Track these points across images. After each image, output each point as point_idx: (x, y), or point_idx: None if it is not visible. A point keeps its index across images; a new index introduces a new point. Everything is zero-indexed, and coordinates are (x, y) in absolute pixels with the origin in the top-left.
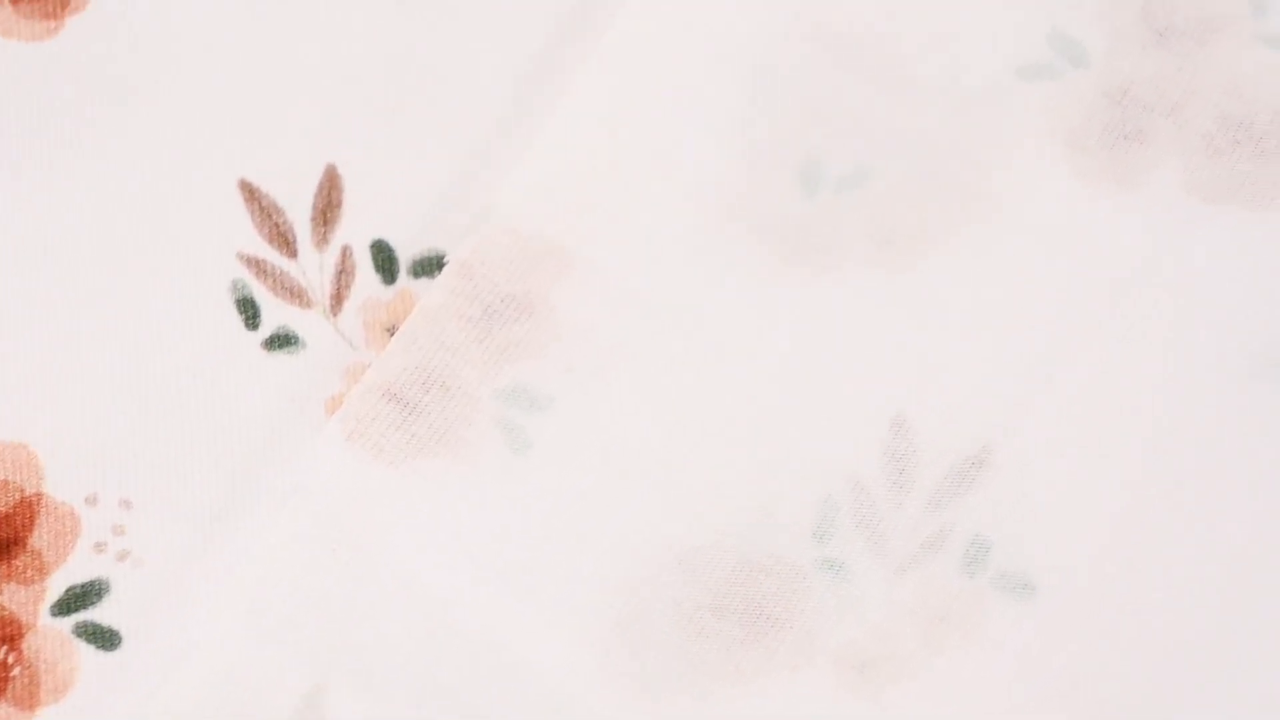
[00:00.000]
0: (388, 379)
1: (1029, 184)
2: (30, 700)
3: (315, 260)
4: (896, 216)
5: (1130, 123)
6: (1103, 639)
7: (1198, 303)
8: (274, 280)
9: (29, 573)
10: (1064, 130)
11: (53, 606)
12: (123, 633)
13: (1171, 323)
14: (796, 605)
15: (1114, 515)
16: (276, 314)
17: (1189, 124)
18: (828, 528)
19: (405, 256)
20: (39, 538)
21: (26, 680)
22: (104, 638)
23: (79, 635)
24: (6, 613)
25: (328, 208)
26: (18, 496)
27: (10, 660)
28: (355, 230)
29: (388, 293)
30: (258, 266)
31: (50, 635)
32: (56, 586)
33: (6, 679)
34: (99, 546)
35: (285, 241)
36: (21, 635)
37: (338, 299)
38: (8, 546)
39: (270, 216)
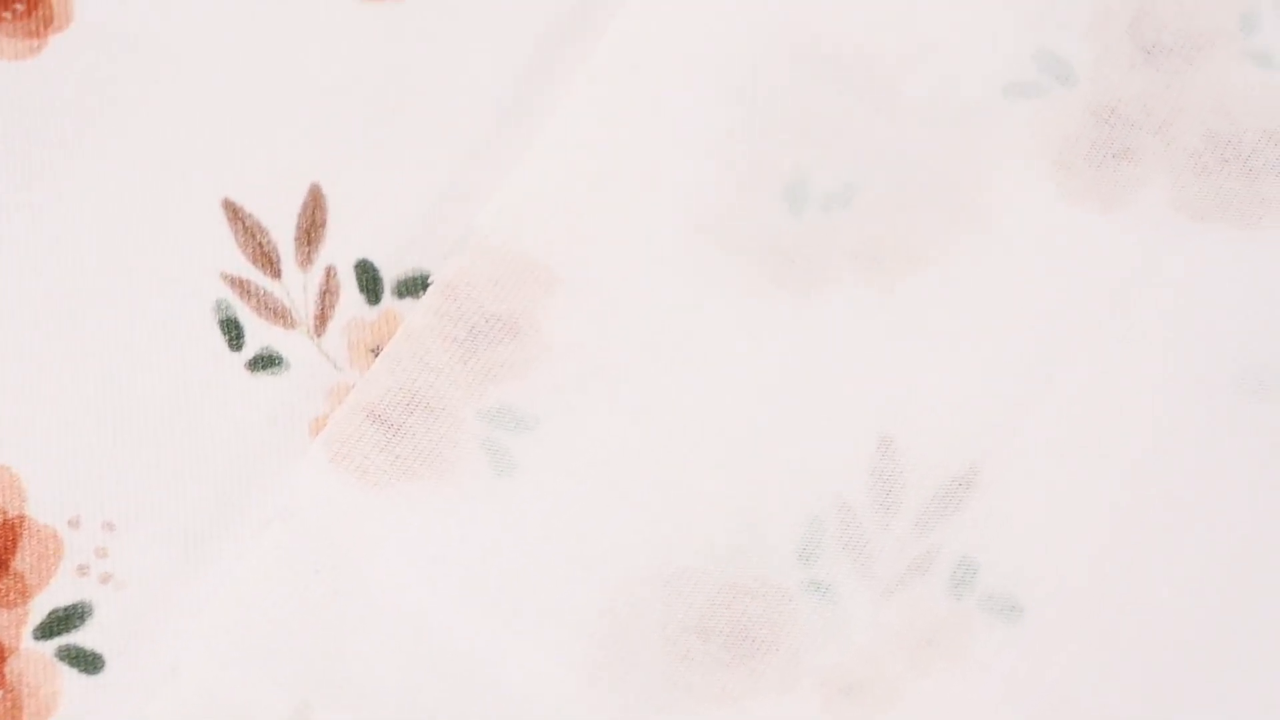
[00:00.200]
0: (372, 400)
1: (1016, 203)
2: None
3: (299, 280)
4: (883, 236)
5: (1117, 141)
6: (1090, 661)
7: (1185, 321)
8: (258, 300)
9: (11, 596)
10: (1051, 149)
11: (35, 630)
12: (106, 656)
13: (1159, 341)
14: (782, 628)
15: (1102, 536)
16: (260, 334)
17: (1176, 142)
18: (814, 549)
19: (390, 276)
20: (21, 560)
21: (9, 705)
22: (87, 661)
23: (62, 659)
24: None
25: (312, 227)
26: (0, 519)
27: None
28: (339, 250)
29: (372, 313)
30: (241, 287)
31: (33, 659)
32: (39, 610)
33: None
34: (82, 569)
35: (269, 261)
36: (4, 659)
37: (322, 319)
38: None
39: (254, 236)
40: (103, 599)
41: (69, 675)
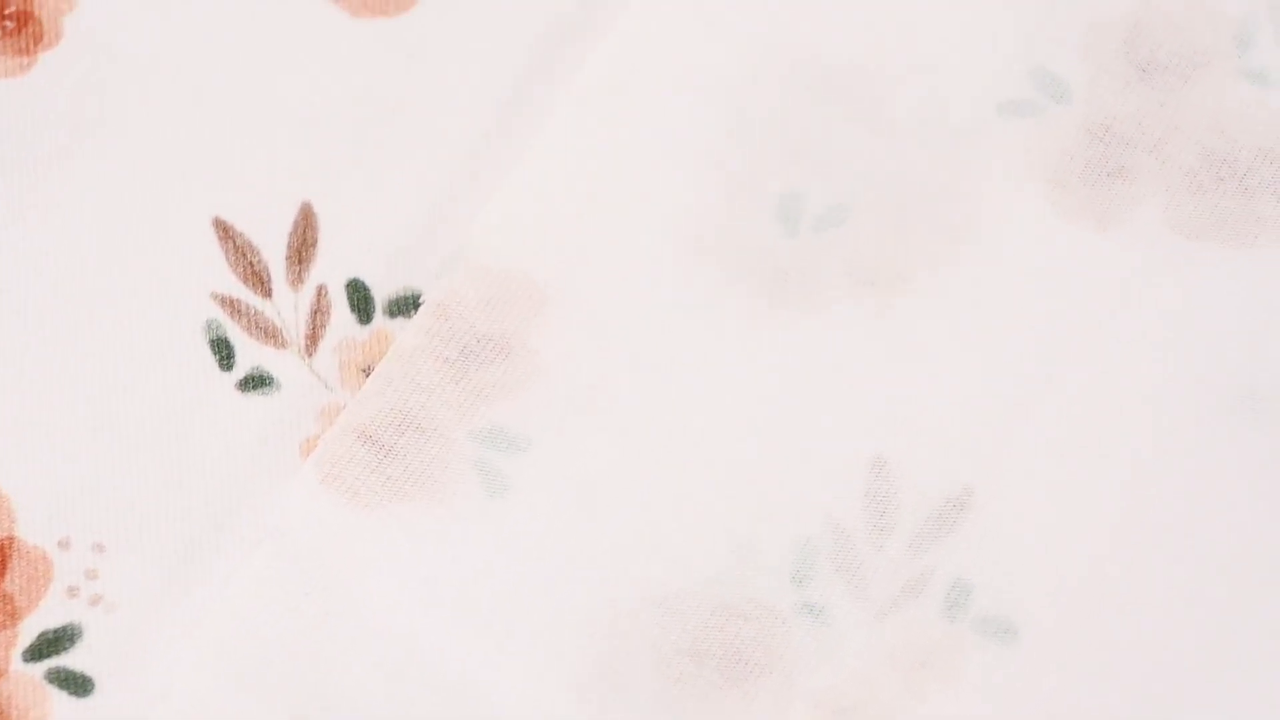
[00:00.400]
0: (363, 421)
1: (1010, 221)
2: None
3: (290, 300)
4: (876, 255)
5: (1112, 159)
6: (1084, 682)
7: (1179, 341)
8: (248, 320)
9: (0, 618)
10: (1045, 167)
11: (25, 652)
12: (95, 679)
13: (1153, 361)
14: (776, 650)
15: (1095, 556)
16: (251, 354)
17: (1172, 160)
18: (807, 571)
19: (381, 296)
20: (11, 582)
21: None
22: (77, 684)
23: (51, 681)
24: None
25: (303, 246)
26: None
27: None
28: (330, 269)
29: (363, 333)
30: (232, 306)
31: (22, 682)
32: (29, 632)
33: None
34: (71, 591)
35: (260, 281)
36: None
37: (313, 339)
38: None
39: (245, 255)
40: (93, 621)
41: (59, 698)
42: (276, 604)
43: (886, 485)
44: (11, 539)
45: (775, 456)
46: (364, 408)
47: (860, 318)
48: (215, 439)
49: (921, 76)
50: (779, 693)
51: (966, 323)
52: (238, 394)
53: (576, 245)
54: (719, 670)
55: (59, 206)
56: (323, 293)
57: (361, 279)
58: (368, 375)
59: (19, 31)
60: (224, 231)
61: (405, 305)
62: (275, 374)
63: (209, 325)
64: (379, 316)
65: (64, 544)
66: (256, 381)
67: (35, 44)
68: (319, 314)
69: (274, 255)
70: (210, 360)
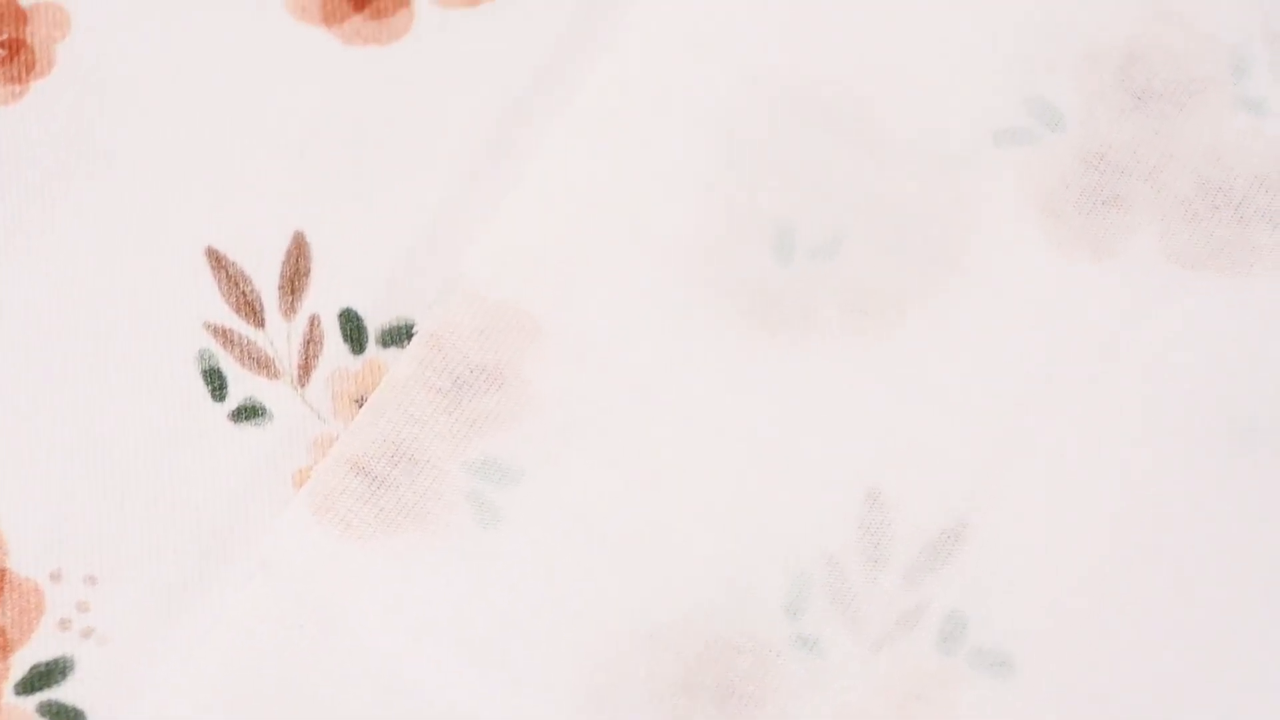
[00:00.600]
0: (355, 452)
1: (1005, 251)
2: None
3: (283, 330)
4: (871, 285)
5: (1107, 188)
6: (1080, 715)
7: (1175, 372)
8: (241, 350)
9: None
10: (1040, 196)
11: (16, 685)
12: (87, 712)
13: (1149, 392)
14: (770, 684)
15: (1091, 587)
16: (243, 385)
17: (1167, 189)
18: (801, 604)
19: (374, 326)
20: (3, 614)
21: None
22: (69, 717)
23: (43, 714)
24: None
25: (296, 276)
26: None
27: None
28: (323, 299)
29: (356, 363)
30: (225, 336)
31: (14, 715)
32: (20, 664)
33: None
34: (63, 623)
35: (253, 310)
36: None
37: (305, 369)
38: None
39: (237, 285)
40: (84, 653)
41: None
42: (269, 636)
43: (881, 517)
44: (3, 571)
45: (769, 488)
46: (356, 439)
47: (854, 348)
48: (208, 470)
49: (916, 104)
50: None
51: (961, 353)
52: (230, 425)
53: (570, 275)
54: (713, 703)
55: (50, 235)
56: (315, 323)
57: (354, 309)
58: (361, 406)
59: (11, 60)
60: (216, 261)
61: (398, 335)
62: (268, 405)
63: (201, 355)
64: (372, 346)
65: (56, 576)
66: (249, 412)
67: (28, 72)
68: (312, 344)
69: (266, 285)
70: (203, 391)
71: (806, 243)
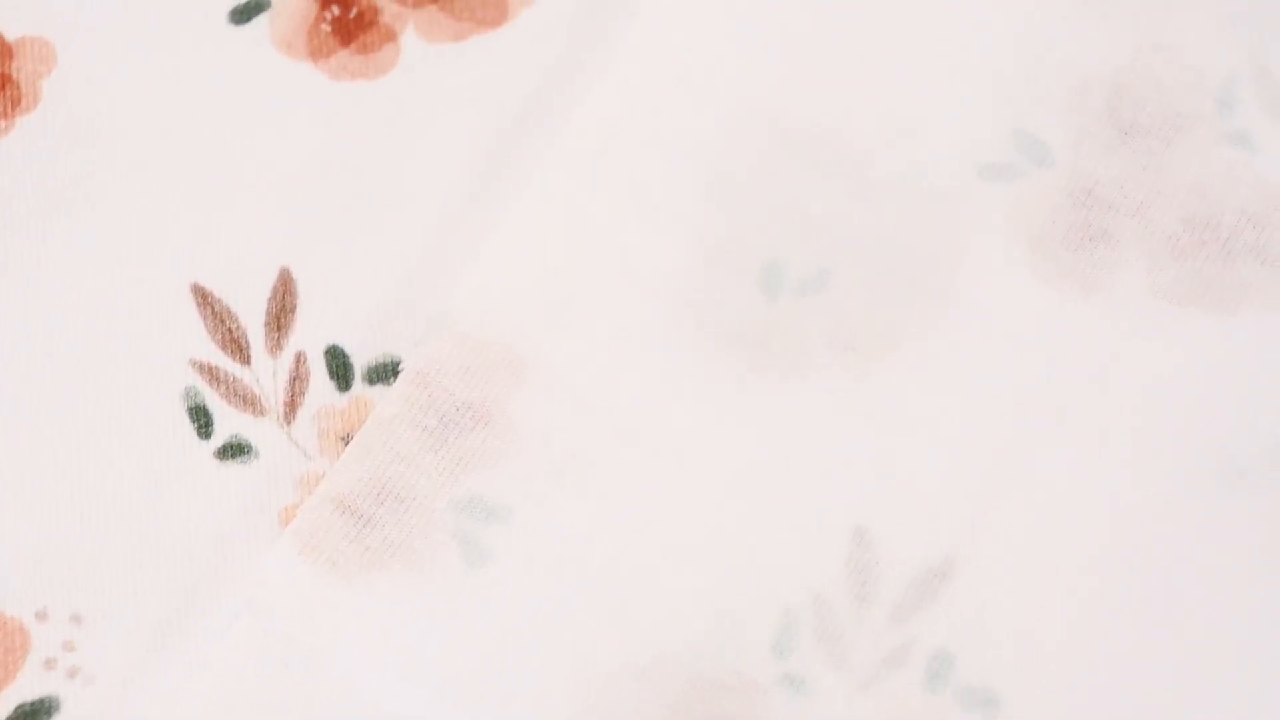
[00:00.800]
0: (341, 491)
1: (991, 287)
2: None
3: (269, 367)
4: (857, 321)
5: (1094, 223)
6: None
7: (1162, 409)
8: (227, 388)
9: None
10: (1027, 231)
11: None
12: None
13: (1135, 430)
14: None
15: (1078, 625)
16: (229, 422)
17: (1154, 224)
18: (789, 642)
19: (360, 362)
20: None
21: None
22: None
23: None
24: None
25: (281, 312)
26: None
27: None
28: (309, 335)
29: (342, 400)
30: (210, 373)
31: None
32: (6, 704)
33: None
34: (49, 663)
35: (238, 347)
36: None
37: (291, 407)
38: None
39: (223, 322)
40: (70, 693)
41: None
42: (255, 675)
43: (868, 555)
44: None
45: (756, 525)
46: (342, 477)
47: (841, 385)
48: (194, 508)
49: (903, 140)
50: None
51: (948, 390)
52: (216, 462)
53: (557, 312)
54: None
55: (36, 271)
56: (302, 359)
57: (341, 345)
58: (347, 443)
59: None
60: (202, 297)
61: (385, 372)
62: (254, 442)
63: (187, 393)
64: (358, 383)
65: (41, 615)
66: (235, 450)
67: (13, 108)
68: (298, 381)
69: (253, 321)
70: (188, 428)
71: (794, 279)
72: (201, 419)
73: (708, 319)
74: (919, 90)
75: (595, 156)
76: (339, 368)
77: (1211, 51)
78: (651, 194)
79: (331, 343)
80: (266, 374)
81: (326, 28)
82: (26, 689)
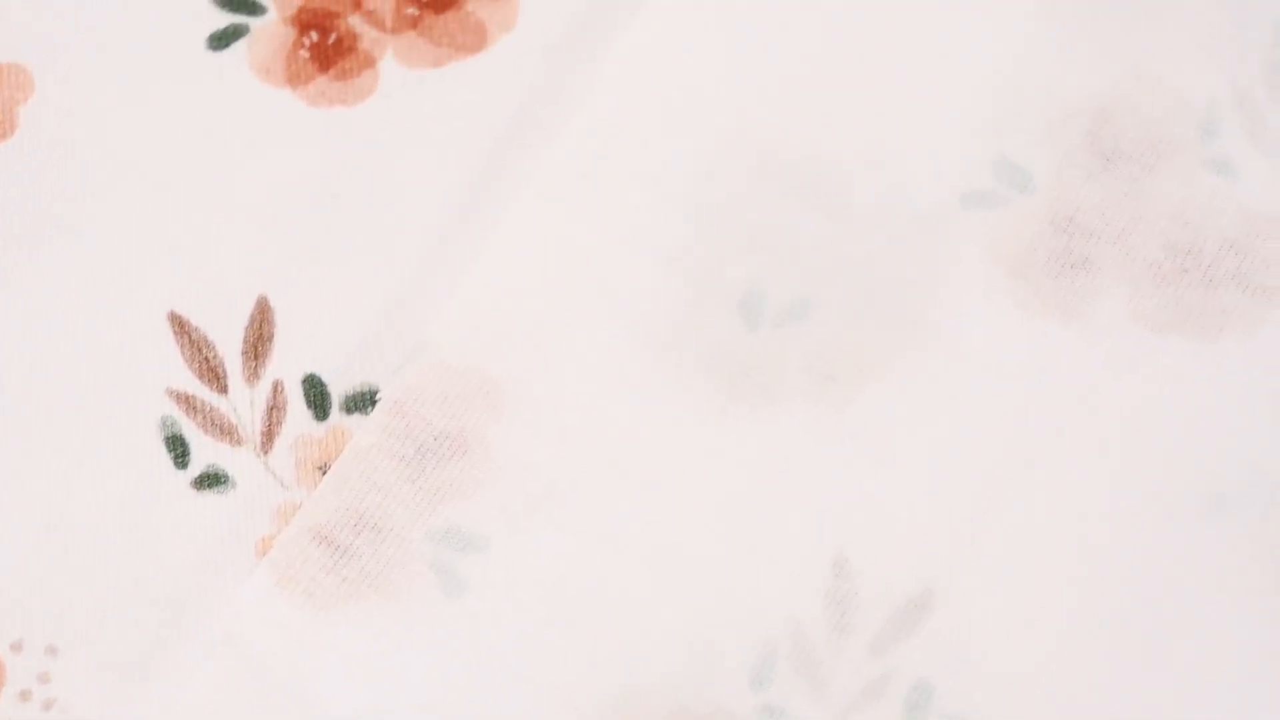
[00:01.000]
0: (318, 521)
1: (972, 315)
2: None
3: (246, 396)
4: (838, 349)
5: (1076, 250)
6: None
7: (1143, 438)
8: (204, 417)
9: None
10: (1008, 259)
11: None
12: None
13: (1118, 458)
14: None
15: (1058, 657)
16: (206, 452)
17: (1136, 251)
18: (767, 673)
19: (338, 391)
20: None
21: None
22: None
23: None
24: None
25: (259, 341)
26: None
27: None
28: (287, 364)
29: (320, 429)
30: (187, 403)
31: None
32: None
33: None
34: (24, 695)
35: (216, 376)
36: None
37: (269, 436)
38: None
39: (200, 350)
40: None
41: None
42: (231, 707)
43: (847, 585)
44: None
45: (735, 555)
46: (319, 507)
47: (822, 414)
48: (170, 539)
49: (884, 167)
50: None
51: (928, 418)
52: (193, 492)
53: (535, 341)
54: None
55: (12, 299)
56: (279, 388)
57: (318, 374)
58: (324, 473)
59: None
60: (179, 326)
61: (362, 401)
62: (231, 472)
63: (164, 422)
64: (335, 413)
65: (16, 647)
66: (212, 480)
67: None
68: (275, 410)
69: (230, 350)
70: (165, 458)
71: (774, 307)
72: (178, 449)
73: (688, 348)
74: (900, 117)
75: (575, 184)
76: (316, 397)
77: (1194, 78)
78: (631, 221)
79: (309, 371)
80: (244, 403)
81: (305, 54)
82: None
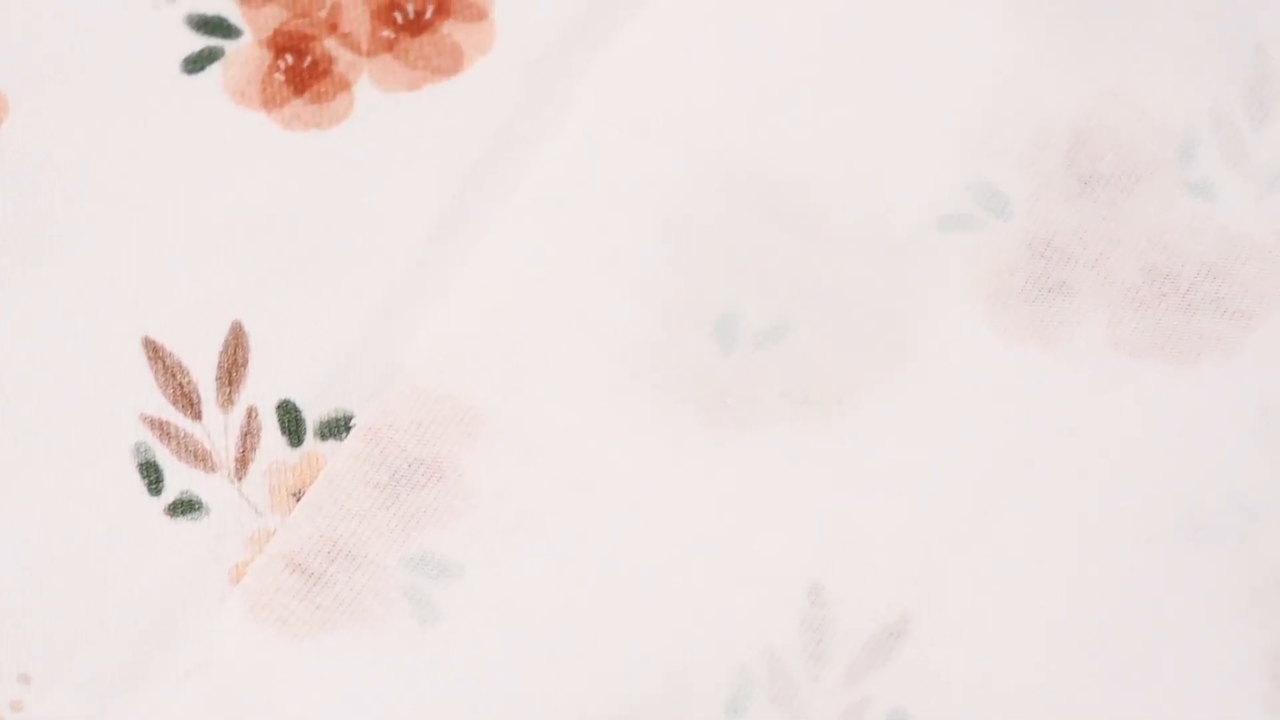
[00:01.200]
0: (292, 549)
1: (950, 339)
2: None
3: (220, 422)
4: (814, 374)
5: (1054, 275)
6: None
7: (1123, 463)
8: (177, 443)
9: None
10: (986, 283)
11: None
12: None
13: (1096, 484)
14: None
15: (1035, 685)
16: (180, 478)
17: (1114, 276)
18: (742, 702)
19: (312, 417)
20: None
21: None
22: None
23: None
24: None
25: (233, 366)
26: None
27: None
28: (261, 390)
29: (294, 455)
30: (161, 429)
31: None
32: None
33: None
34: None
35: (189, 402)
36: None
37: (243, 462)
38: None
39: (174, 376)
40: None
41: None
42: None
43: (823, 613)
44: None
45: (711, 582)
46: (293, 535)
47: (798, 439)
48: (144, 566)
49: (862, 190)
50: None
51: (906, 444)
52: (166, 519)
53: (511, 367)
54: None
55: None
56: (253, 414)
57: (293, 400)
58: (299, 499)
59: None
60: (153, 351)
61: (337, 427)
62: (205, 498)
63: (138, 448)
64: (310, 439)
65: None
66: (186, 506)
67: None
68: (249, 436)
69: (204, 376)
70: (139, 484)
71: (750, 330)
72: (152, 475)
73: (664, 373)
74: (878, 141)
75: (551, 208)
76: (291, 423)
77: (1173, 101)
78: (607, 246)
79: (283, 397)
80: (218, 429)
81: (280, 77)
82: None
